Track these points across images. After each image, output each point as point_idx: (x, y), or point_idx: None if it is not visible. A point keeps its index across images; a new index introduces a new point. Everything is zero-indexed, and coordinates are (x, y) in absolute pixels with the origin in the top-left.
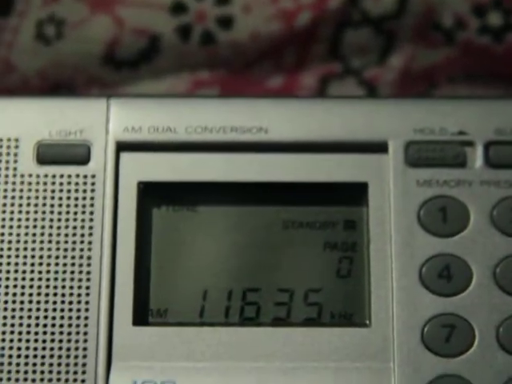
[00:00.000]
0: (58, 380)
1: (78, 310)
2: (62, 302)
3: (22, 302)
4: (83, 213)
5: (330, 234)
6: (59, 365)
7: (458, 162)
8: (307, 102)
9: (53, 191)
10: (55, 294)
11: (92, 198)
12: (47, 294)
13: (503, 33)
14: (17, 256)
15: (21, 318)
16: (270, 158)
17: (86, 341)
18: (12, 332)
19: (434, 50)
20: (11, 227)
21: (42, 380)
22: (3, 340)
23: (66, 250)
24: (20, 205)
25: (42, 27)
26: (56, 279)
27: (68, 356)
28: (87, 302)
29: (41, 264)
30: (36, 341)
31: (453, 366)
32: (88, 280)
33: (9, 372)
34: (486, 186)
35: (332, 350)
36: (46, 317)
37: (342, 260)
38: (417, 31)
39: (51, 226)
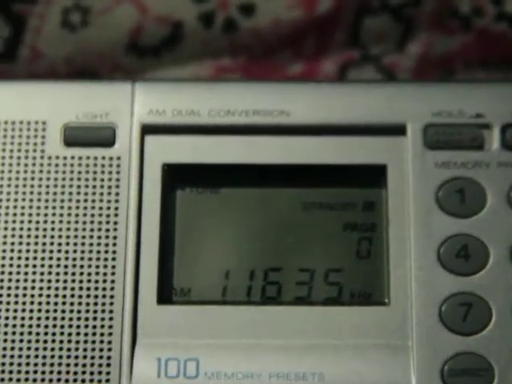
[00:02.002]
0: (84, 357)
1: (104, 289)
2: (89, 281)
3: (49, 281)
4: (109, 194)
5: (350, 215)
6: (85, 342)
7: (475, 145)
8: (328, 85)
9: (79, 173)
10: (82, 273)
11: (117, 180)
12: (74, 273)
13: None
14: (44, 236)
15: (48, 296)
16: (292, 141)
17: (111, 319)
18: (39, 310)
19: (451, 37)
20: (39, 208)
21: (68, 357)
22: (31, 318)
23: (92, 230)
24: (47, 186)
25: (68, 14)
26: (82, 259)
27: (94, 334)
28: (113, 281)
29: (68, 244)
30: (63, 318)
31: (470, 343)
32: (113, 260)
33: (36, 349)
34: (502, 167)
35: (352, 327)
36: (72, 295)
37: (361, 240)
38: (434, 18)
39: (78, 207)
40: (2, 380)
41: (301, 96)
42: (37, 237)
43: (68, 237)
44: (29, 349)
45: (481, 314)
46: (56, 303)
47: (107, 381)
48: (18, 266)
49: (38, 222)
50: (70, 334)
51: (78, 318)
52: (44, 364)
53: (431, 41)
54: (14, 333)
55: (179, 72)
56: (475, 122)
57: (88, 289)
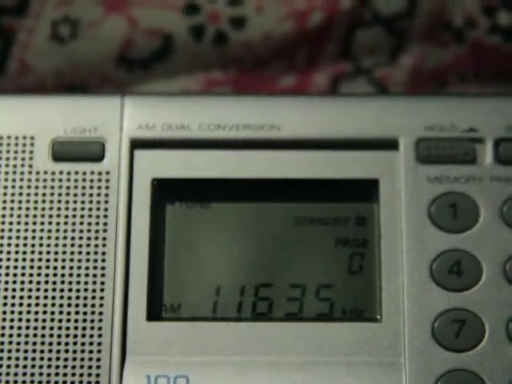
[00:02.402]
0: (73, 375)
1: (93, 306)
2: (77, 298)
3: (37, 298)
4: (98, 209)
5: (342, 230)
6: (74, 359)
7: (468, 159)
8: (319, 99)
9: (68, 188)
10: (70, 290)
11: (106, 195)
12: (62, 290)
13: None
14: (32, 252)
15: (36, 313)
16: (283, 155)
17: (100, 336)
18: (27, 327)
19: (444, 50)
20: (27, 223)
21: (57, 375)
22: (19, 335)
23: (80, 246)
24: (36, 201)
25: (57, 27)
26: (71, 275)
27: (83, 351)
28: (102, 298)
29: (56, 260)
30: (51, 336)
31: (463, 360)
32: (102, 276)
33: (24, 367)
34: (495, 182)
35: (343, 344)
36: (61, 312)
37: (353, 256)
38: (427, 31)
39: (66, 223)
40: None
41: (291, 110)
42: (25, 253)
43: (56, 253)
44: (17, 366)
45: (474, 331)
46: (44, 320)
47: None
48: (6, 282)
49: (26, 238)
50: (58, 351)
51: (67, 335)
52: (32, 382)
53: (424, 53)
54: (1, 350)
55: (170, 85)
56: (468, 136)
57: (77, 305)
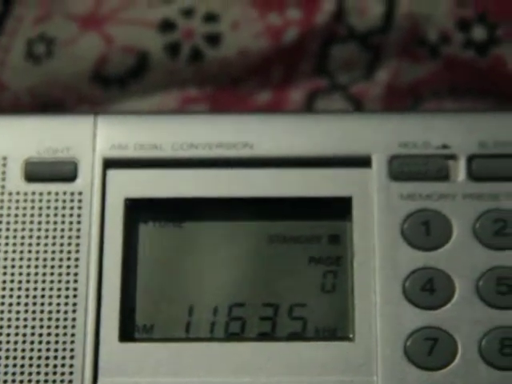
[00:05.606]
0: None
1: (65, 327)
2: (49, 319)
3: (9, 319)
4: (70, 230)
5: (315, 248)
6: (46, 382)
7: (441, 176)
8: (292, 117)
9: (40, 208)
10: (42, 311)
11: (79, 215)
12: (34, 311)
13: (487, 47)
14: (4, 273)
15: (8, 335)
16: (256, 174)
17: (72, 357)
18: None
19: (419, 65)
20: None
21: None
22: None
23: (52, 266)
24: (8, 222)
25: (33, 46)
26: (43, 296)
27: (54, 373)
28: (74, 319)
29: (28, 281)
30: (23, 358)
31: (436, 379)
32: (75, 297)
33: None
34: (468, 199)
35: (316, 363)
36: (32, 333)
37: (326, 274)
38: (402, 46)
39: (38, 243)
40: None
41: (264, 128)
42: None
43: (28, 274)
44: None
45: (446, 349)
46: (16, 342)
47: None
48: None
49: None
50: (30, 374)
51: (39, 357)
52: None
53: (399, 69)
54: None
55: (146, 102)
56: (441, 153)
57: (49, 327)
